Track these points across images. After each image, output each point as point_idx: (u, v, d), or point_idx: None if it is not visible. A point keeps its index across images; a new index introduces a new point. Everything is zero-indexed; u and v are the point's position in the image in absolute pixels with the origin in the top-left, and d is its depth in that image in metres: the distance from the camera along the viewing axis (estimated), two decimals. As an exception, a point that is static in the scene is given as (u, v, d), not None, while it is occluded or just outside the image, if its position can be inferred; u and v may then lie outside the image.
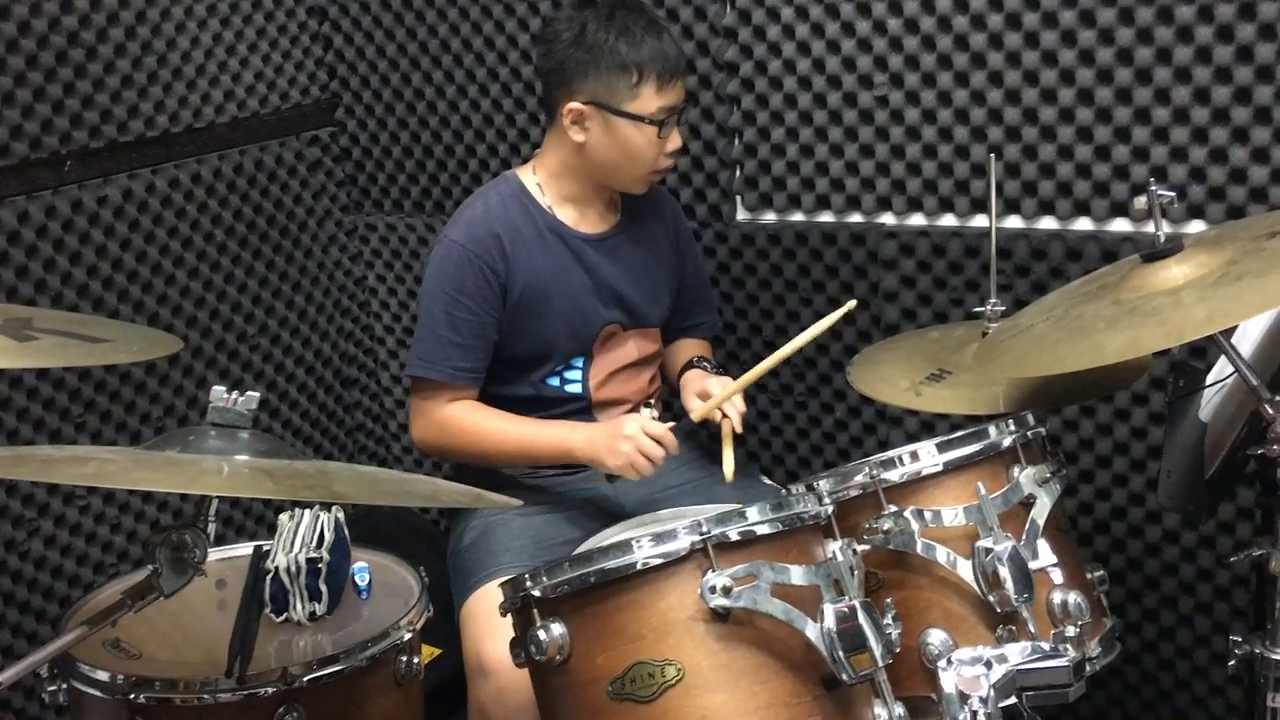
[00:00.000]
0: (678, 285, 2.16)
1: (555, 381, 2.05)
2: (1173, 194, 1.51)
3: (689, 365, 2.12)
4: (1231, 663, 1.57)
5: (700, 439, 2.17)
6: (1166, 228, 1.52)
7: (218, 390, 1.28)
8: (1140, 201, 1.53)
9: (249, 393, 1.28)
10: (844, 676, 1.32)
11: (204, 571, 1.25)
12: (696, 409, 1.98)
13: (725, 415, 1.96)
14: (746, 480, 2.03)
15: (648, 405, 2.13)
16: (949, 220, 2.20)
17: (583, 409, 2.06)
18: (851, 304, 1.86)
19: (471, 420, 1.99)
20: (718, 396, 1.95)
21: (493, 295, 1.96)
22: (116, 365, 2.25)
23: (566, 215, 2.03)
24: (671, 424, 1.90)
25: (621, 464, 1.86)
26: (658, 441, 1.85)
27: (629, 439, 1.85)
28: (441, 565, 2.06)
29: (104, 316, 2.22)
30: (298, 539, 1.71)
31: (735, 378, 2.12)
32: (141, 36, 2.31)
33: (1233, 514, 2.03)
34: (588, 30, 1.90)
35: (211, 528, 1.26)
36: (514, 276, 1.97)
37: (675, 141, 1.96)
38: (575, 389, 2.06)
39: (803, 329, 2.31)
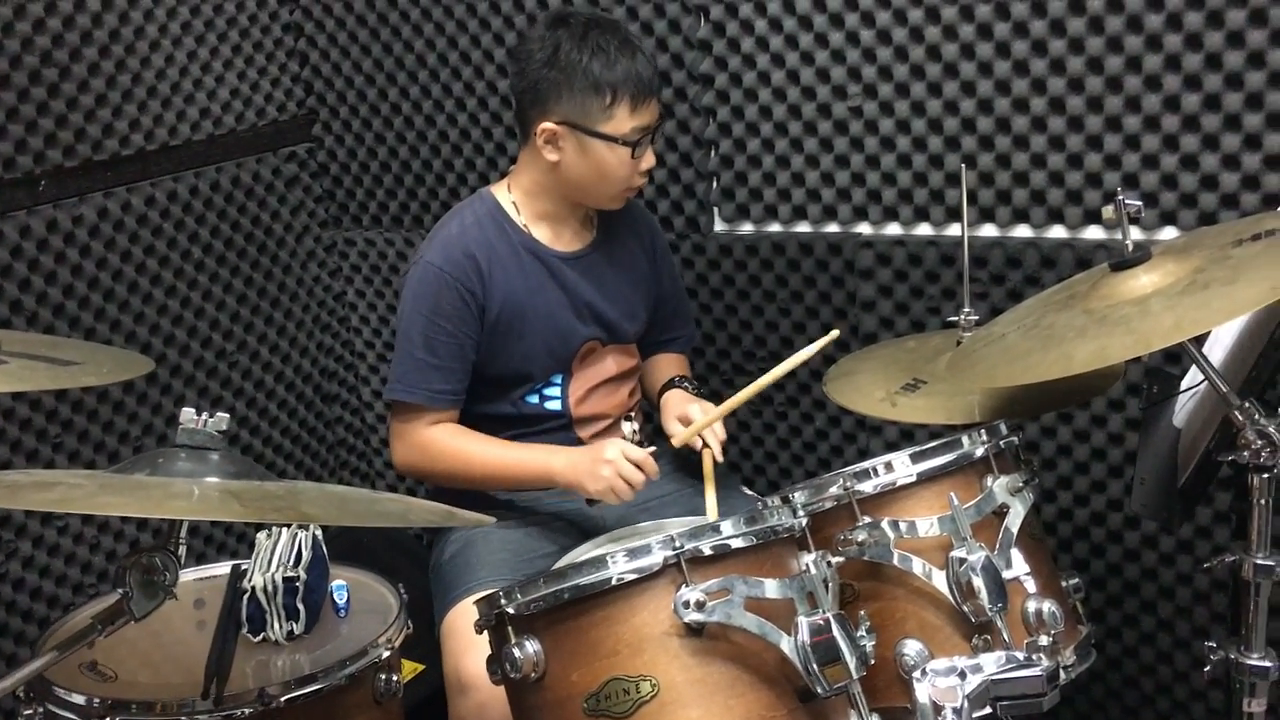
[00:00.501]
0: (654, 299, 2.17)
1: (534, 399, 2.05)
2: (1140, 203, 1.52)
3: (670, 385, 2.12)
4: (1208, 668, 1.58)
5: (681, 451, 2.17)
6: (1137, 235, 1.54)
7: (188, 412, 1.27)
8: (1109, 210, 1.54)
9: (219, 414, 1.28)
10: (819, 689, 1.32)
11: (175, 595, 1.25)
12: (678, 434, 1.98)
13: (706, 444, 1.96)
14: (726, 491, 2.03)
15: (628, 419, 2.13)
16: (924, 229, 2.21)
17: (563, 425, 2.06)
18: (835, 333, 1.85)
19: (454, 445, 1.98)
20: (699, 423, 1.96)
21: (470, 317, 1.96)
22: (93, 386, 2.24)
23: (542, 234, 2.03)
24: (652, 448, 1.90)
25: (602, 489, 1.85)
26: (639, 466, 1.85)
27: (609, 463, 1.84)
28: (424, 580, 2.06)
29: (79, 337, 2.22)
30: (275, 558, 1.71)
31: (714, 390, 2.12)
32: (116, 54, 2.31)
33: (1210, 518, 2.04)
34: (561, 50, 1.89)
35: (183, 550, 1.25)
36: (491, 297, 1.97)
37: (649, 160, 1.96)
38: (555, 406, 2.06)
39: (781, 339, 2.35)
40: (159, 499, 1.14)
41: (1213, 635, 1.67)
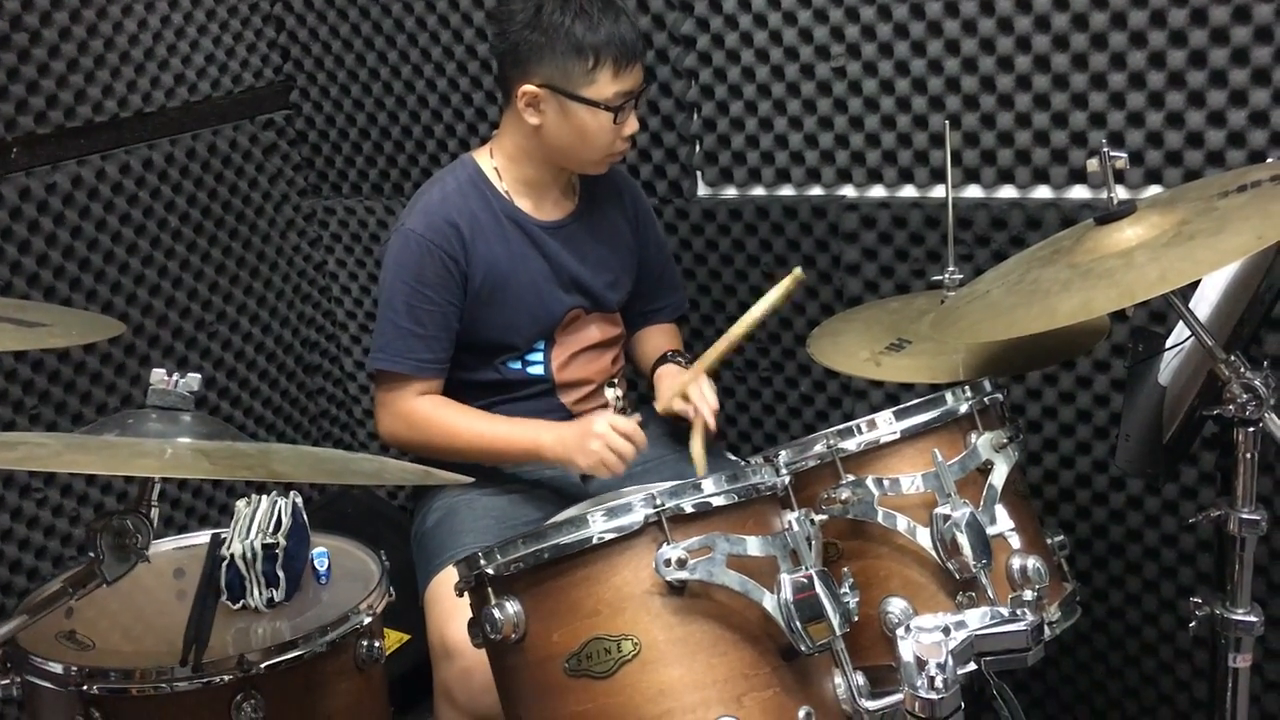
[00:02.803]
0: (639, 267, 2.14)
1: (517, 365, 2.03)
2: (1124, 155, 1.50)
3: (663, 359, 2.10)
4: (1193, 624, 1.58)
5: (666, 419, 2.15)
6: (1122, 192, 1.52)
7: (158, 373, 1.25)
8: (1093, 163, 1.52)
9: (190, 375, 1.26)
10: (802, 647, 1.31)
11: (147, 558, 1.23)
12: (663, 398, 1.97)
13: (698, 411, 1.94)
14: (711, 457, 2.02)
15: (611, 385, 2.11)
16: (909, 191, 2.19)
17: (546, 390, 2.05)
18: (798, 271, 1.84)
19: (441, 417, 1.96)
20: (683, 380, 1.94)
21: (454, 285, 1.93)
22: (70, 354, 2.22)
23: (524, 202, 2.00)
24: (638, 416, 1.88)
25: (592, 463, 1.84)
26: (628, 438, 1.83)
27: (599, 437, 1.83)
28: (407, 551, 2.04)
29: (51, 303, 2.19)
30: (254, 525, 1.69)
31: (700, 356, 2.10)
32: (88, 19, 2.27)
33: (1196, 478, 2.03)
34: (543, 11, 1.86)
35: (154, 512, 1.23)
36: (474, 265, 1.94)
37: (632, 125, 1.93)
38: (538, 370, 2.04)
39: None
40: (126, 457, 1.12)
41: (1198, 594, 1.66)
